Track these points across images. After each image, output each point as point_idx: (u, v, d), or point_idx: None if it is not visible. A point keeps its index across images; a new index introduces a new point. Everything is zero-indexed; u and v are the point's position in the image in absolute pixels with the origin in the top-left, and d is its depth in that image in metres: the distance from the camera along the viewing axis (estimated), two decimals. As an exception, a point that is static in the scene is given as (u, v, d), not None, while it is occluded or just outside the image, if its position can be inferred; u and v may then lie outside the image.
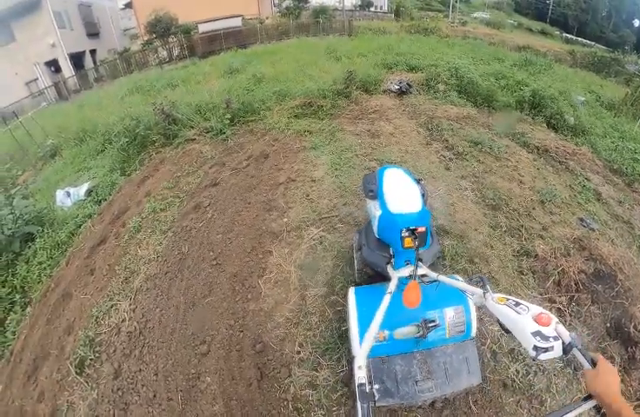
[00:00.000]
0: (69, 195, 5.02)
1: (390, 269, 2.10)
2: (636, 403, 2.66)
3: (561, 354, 1.11)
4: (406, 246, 1.86)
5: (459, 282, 1.73)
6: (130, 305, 3.28)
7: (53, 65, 19.08)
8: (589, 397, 1.05)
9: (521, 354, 2.69)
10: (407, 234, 1.85)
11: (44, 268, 4.01)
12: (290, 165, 4.61)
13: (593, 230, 3.88)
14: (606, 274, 3.24)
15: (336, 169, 4.50)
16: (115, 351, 2.96)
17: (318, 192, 4.13)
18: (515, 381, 2.56)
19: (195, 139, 5.49)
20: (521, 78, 7.41)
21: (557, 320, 1.18)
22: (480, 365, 2.09)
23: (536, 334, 1.12)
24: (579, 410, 1.04)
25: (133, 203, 4.50)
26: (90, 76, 18.16)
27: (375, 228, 2.24)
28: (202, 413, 2.54)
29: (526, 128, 6.06)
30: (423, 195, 2.14)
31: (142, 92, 9.72)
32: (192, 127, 5.72)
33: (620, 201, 4.59)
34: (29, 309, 3.62)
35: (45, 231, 4.39)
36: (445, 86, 7.17)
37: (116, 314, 3.23)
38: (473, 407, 2.41)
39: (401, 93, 6.98)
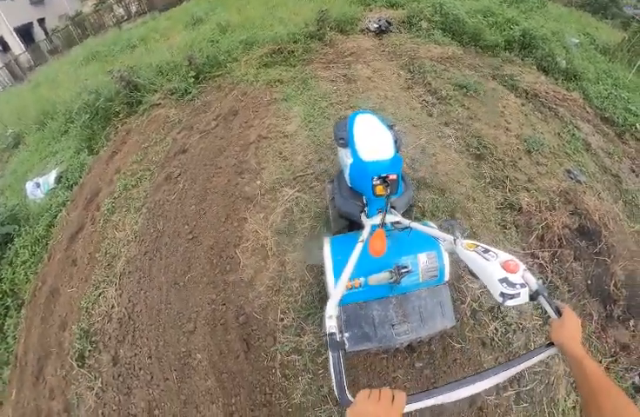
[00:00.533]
0: (38, 185, 5.08)
1: (363, 218, 2.19)
2: (610, 359, 2.83)
3: (527, 300, 1.16)
4: (378, 194, 1.93)
5: (430, 229, 1.79)
6: (117, 290, 3.42)
7: (0, 44, 18.42)
8: (551, 344, 1.12)
9: (501, 312, 2.82)
10: (378, 181, 1.91)
11: (29, 267, 4.14)
12: (260, 121, 4.52)
13: (580, 183, 3.93)
14: (590, 230, 3.38)
15: (309, 122, 4.41)
16: (110, 338, 3.13)
17: (292, 148, 4.07)
18: (494, 340, 2.72)
19: (160, 104, 5.39)
20: (511, 16, 6.92)
21: (525, 267, 1.23)
22: (453, 308, 2.21)
23: (503, 280, 1.17)
24: (540, 357, 1.10)
25: (104, 183, 4.54)
26: (43, 48, 17.47)
27: (347, 177, 2.32)
28: (197, 388, 2.73)
29: (515, 70, 5.83)
30: (395, 142, 2.18)
31: (99, 59, 9.45)
32: (156, 91, 5.59)
33: (609, 153, 4.63)
34: (23, 311, 3.79)
35: (22, 229, 4.49)
36: (428, 24, 6.75)
37: (105, 301, 3.38)
38: (452, 365, 2.58)
39: (380, 32, 6.62)
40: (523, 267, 1.22)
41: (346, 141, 2.28)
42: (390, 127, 2.32)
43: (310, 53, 6.00)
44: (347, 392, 0.96)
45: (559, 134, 4.65)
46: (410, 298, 2.08)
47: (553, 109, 5.06)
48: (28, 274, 4.06)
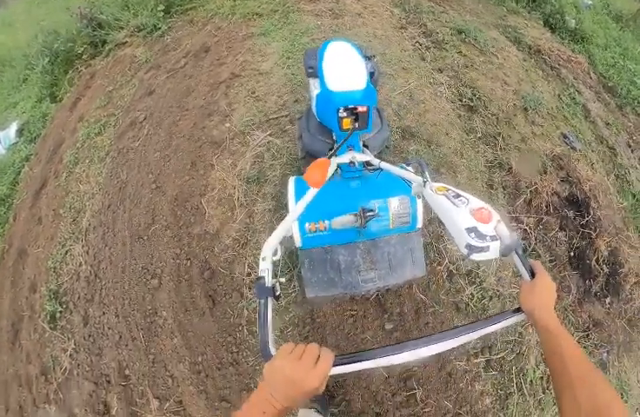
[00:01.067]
0: (-1, 141, 5.03)
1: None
2: (582, 334, 2.92)
3: (497, 255, 1.09)
4: (344, 127, 1.88)
5: (399, 169, 1.74)
6: (83, 247, 3.42)
7: None
8: (518, 310, 1.07)
9: (478, 277, 2.85)
10: (345, 113, 1.84)
11: None
12: (233, 58, 4.32)
13: (575, 150, 3.95)
14: (580, 200, 3.44)
15: (287, 59, 4.19)
16: (79, 298, 3.17)
17: (266, 87, 3.90)
18: (469, 305, 2.77)
19: (126, 42, 5.16)
20: None
21: (499, 218, 1.15)
22: (425, 258, 2.25)
23: (472, 230, 1.10)
24: (506, 323, 1.05)
25: (67, 133, 4.46)
26: None
27: (313, 109, 2.28)
28: (164, 347, 2.80)
29: (520, 22, 5.58)
30: (372, 74, 2.10)
31: None
32: (121, 28, 5.32)
33: (608, 123, 4.62)
34: None
35: None
36: None
37: (72, 260, 3.39)
38: (424, 328, 2.63)
39: None
40: (496, 217, 1.14)
41: (315, 70, 2.17)
42: (368, 58, 2.21)
43: None
44: (270, 345, 0.93)
45: (559, 95, 4.57)
46: (379, 244, 2.10)
47: (556, 68, 4.95)
48: None
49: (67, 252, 3.45)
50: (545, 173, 3.54)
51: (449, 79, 4.19)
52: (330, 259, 2.08)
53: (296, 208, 1.56)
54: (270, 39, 4.51)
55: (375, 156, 2.10)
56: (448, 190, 1.29)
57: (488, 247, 1.06)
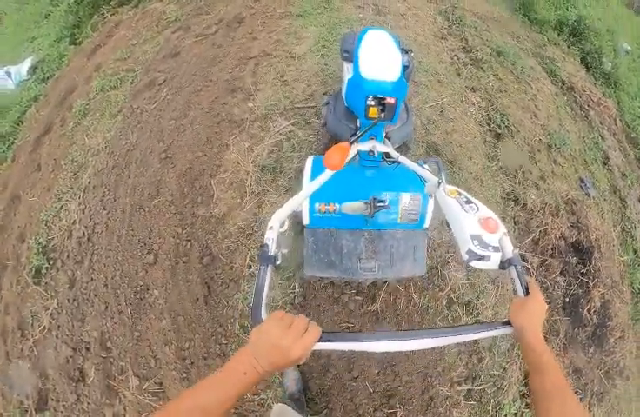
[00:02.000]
0: (9, 75, 4.60)
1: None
2: None
3: (496, 267, 1.08)
4: (370, 116, 1.78)
5: (417, 166, 1.70)
6: (80, 204, 3.17)
7: None
8: (507, 323, 1.01)
9: (476, 309, 2.73)
10: (373, 102, 1.74)
11: None
12: (267, 34, 3.92)
13: (589, 196, 3.76)
14: (584, 249, 3.31)
15: (323, 47, 3.80)
16: (68, 257, 2.95)
17: (296, 73, 3.54)
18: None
19: None
20: None
21: (506, 230, 1.13)
22: (427, 258, 2.22)
23: (476, 237, 1.08)
24: (493, 333, 1.01)
25: (81, 80, 4.08)
26: None
27: (343, 93, 2.19)
28: (151, 326, 2.62)
29: (558, 54, 5.20)
30: (406, 67, 1.98)
31: None
32: (155, -22, 4.84)
33: (624, 174, 4.39)
34: None
35: None
36: None
37: (66, 215, 3.15)
38: (415, 352, 2.50)
39: None
40: (503, 229, 1.12)
41: (351, 54, 2.06)
42: (405, 51, 2.09)
43: None
44: (263, 310, 0.92)
45: (583, 138, 4.30)
46: (384, 236, 2.06)
47: (585, 109, 4.65)
48: None
49: (62, 207, 3.20)
50: (557, 215, 3.35)
51: (480, 100, 3.91)
52: (334, 242, 2.04)
53: (310, 185, 1.52)
54: (307, 22, 4.10)
55: (395, 149, 2.00)
56: (460, 195, 1.28)
57: (489, 256, 1.06)
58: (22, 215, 3.36)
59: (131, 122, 3.42)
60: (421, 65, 3.87)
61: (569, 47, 5.53)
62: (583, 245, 3.32)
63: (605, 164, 4.29)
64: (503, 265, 1.08)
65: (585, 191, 3.76)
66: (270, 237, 1.14)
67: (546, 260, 3.13)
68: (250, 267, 2.62)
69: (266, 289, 0.98)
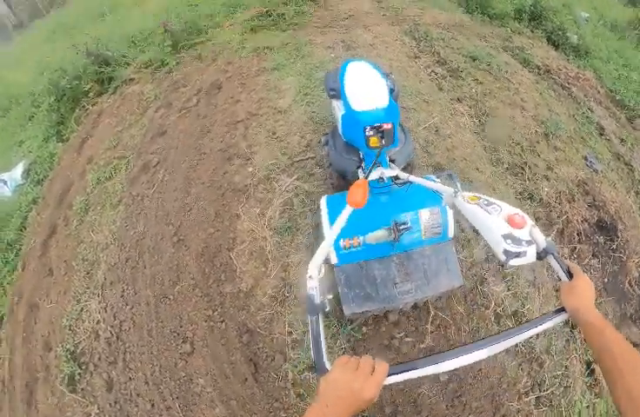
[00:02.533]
0: (5, 183, 4.48)
1: (360, 174, 2.09)
2: None
3: (534, 259, 1.06)
4: (372, 146, 1.82)
5: (429, 182, 1.69)
6: (100, 303, 2.95)
7: None
8: (561, 310, 1.01)
9: (524, 316, 2.61)
10: (372, 132, 1.79)
11: (4, 276, 3.67)
12: (248, 95, 3.84)
13: (596, 172, 3.68)
14: (608, 225, 3.23)
15: (305, 95, 3.72)
16: (99, 359, 2.71)
17: (287, 127, 3.42)
18: (517, 345, 2.52)
19: (134, 79, 4.66)
20: None
21: (533, 223, 1.11)
22: (460, 266, 2.12)
23: (508, 236, 1.05)
24: (551, 323, 0.98)
25: (76, 176, 3.95)
26: (8, 24, 15.54)
27: (340, 130, 2.21)
28: None
29: (525, 42, 5.27)
30: (391, 90, 2.02)
31: (64, 31, 8.33)
32: (128, 64, 4.83)
33: (622, 139, 4.31)
34: (3, 330, 3.36)
35: None
36: None
37: (89, 316, 2.92)
38: (477, 375, 2.37)
39: None
40: (530, 222, 1.10)
41: (337, 91, 2.11)
42: (387, 75, 2.14)
43: (303, 16, 5.18)
44: (325, 359, 0.87)
45: (574, 116, 4.23)
46: (413, 256, 1.99)
47: (566, 87, 4.63)
48: (4, 284, 3.60)
49: (82, 308, 2.98)
50: (574, 200, 3.27)
51: (469, 109, 3.84)
52: (366, 273, 1.96)
53: (334, 226, 1.46)
54: (284, 74, 4.05)
55: (402, 170, 2.01)
56: (480, 199, 1.25)
57: (525, 252, 1.03)
58: (43, 323, 3.12)
59: (134, 210, 3.24)
60: (404, 89, 3.78)
61: (532, 31, 5.56)
62: (605, 222, 3.24)
63: (602, 135, 4.21)
64: (540, 256, 1.06)
65: (592, 168, 3.69)
66: (313, 286, 1.11)
67: (575, 247, 3.03)
68: (290, 333, 2.42)
69: (323, 339, 0.94)
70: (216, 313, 2.56)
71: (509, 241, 1.03)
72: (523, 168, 3.39)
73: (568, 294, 1.00)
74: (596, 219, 3.23)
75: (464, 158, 3.27)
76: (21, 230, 3.94)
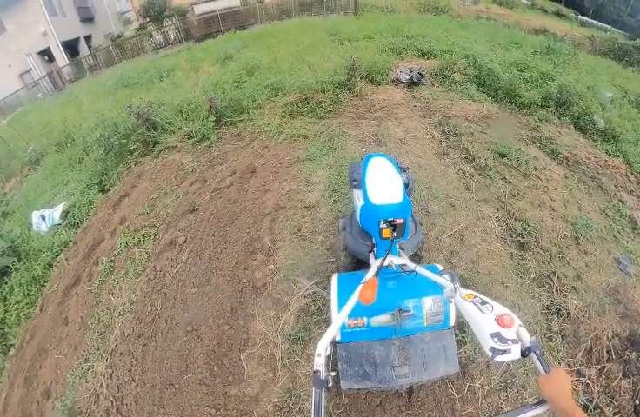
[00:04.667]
0: (44, 218, 4.20)
1: (372, 258, 2.02)
2: None
3: (518, 356, 1.01)
4: (384, 237, 1.77)
5: (433, 274, 1.59)
6: (107, 368, 2.64)
7: (46, 54, 16.73)
8: (541, 402, 0.96)
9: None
10: (385, 225, 1.74)
11: (22, 308, 3.38)
12: (279, 185, 3.57)
13: (629, 275, 3.11)
14: None
15: (334, 191, 3.44)
16: None
17: (312, 224, 3.14)
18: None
19: (176, 146, 4.42)
20: (545, 70, 5.84)
21: (520, 322, 1.08)
22: (458, 354, 1.98)
23: (495, 335, 1.03)
24: (531, 413, 0.94)
25: (107, 232, 3.66)
26: (85, 64, 15.78)
27: (358, 218, 2.14)
28: None
29: (552, 130, 4.80)
30: (406, 186, 2.02)
31: (128, 85, 8.19)
32: (173, 132, 4.60)
33: None
34: (7, 363, 3.05)
35: (21, 264, 3.67)
36: (462, 76, 5.69)
37: (93, 377, 2.61)
38: None
39: (412, 84, 5.57)
40: (518, 321, 1.08)
41: (359, 183, 2.10)
42: (403, 169, 2.16)
43: (339, 104, 4.95)
44: None
45: (604, 211, 3.75)
46: (414, 341, 1.84)
47: (596, 179, 4.10)
48: (20, 315, 3.34)
49: (89, 368, 2.67)
50: (604, 313, 2.77)
51: (496, 211, 3.44)
52: (366, 353, 1.82)
53: (343, 311, 1.42)
54: (315, 165, 3.79)
55: (410, 258, 1.93)
56: (475, 297, 1.21)
57: (510, 349, 1.00)
58: (48, 370, 2.82)
59: (155, 285, 2.94)
60: (431, 191, 3.48)
61: (559, 118, 5.08)
62: (638, 334, 2.68)
63: (634, 229, 3.63)
64: (524, 353, 1.02)
65: (624, 271, 3.14)
66: (320, 363, 1.08)
67: (604, 367, 2.52)
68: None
69: (323, 408, 0.93)
70: (218, 413, 2.22)
71: (496, 339, 1.01)
72: (550, 278, 2.91)
73: (547, 383, 0.96)
74: (628, 332, 2.71)
75: (489, 271, 2.86)
76: (47, 268, 3.65)
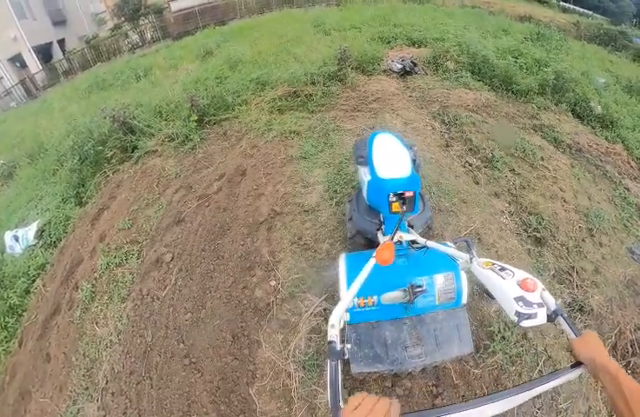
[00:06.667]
0: (17, 239, 3.63)
1: (380, 236, 1.90)
2: None
3: (545, 321, 0.92)
4: (393, 211, 1.65)
5: (446, 247, 1.47)
6: (99, 409, 2.19)
7: (17, 60, 15.50)
8: (577, 364, 0.84)
9: None
10: (394, 198, 1.63)
11: (1, 342, 2.85)
12: (273, 187, 3.08)
13: None
14: None
15: (335, 192, 2.97)
16: None
17: (314, 231, 2.67)
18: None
19: (156, 151, 3.86)
20: (540, 56, 5.51)
21: (544, 286, 0.97)
22: (472, 334, 1.79)
23: (519, 299, 0.93)
24: (566, 377, 0.82)
25: (86, 252, 3.13)
26: (59, 69, 14.60)
27: (364, 195, 2.05)
28: None
29: (552, 118, 4.49)
30: (414, 161, 1.92)
31: (103, 88, 7.46)
32: (152, 135, 4.04)
33: None
34: None
35: None
36: (455, 64, 5.24)
37: (85, 421, 2.15)
38: None
39: (404, 73, 5.10)
40: (541, 286, 0.97)
41: (365, 159, 1.98)
42: (410, 147, 2.03)
43: (330, 97, 4.43)
44: (341, 402, 0.73)
45: (612, 199, 3.50)
46: (426, 320, 1.70)
47: (600, 167, 3.87)
48: None
49: (78, 411, 2.22)
50: (625, 306, 2.56)
51: (508, 205, 3.12)
52: (377, 334, 1.67)
53: (356, 281, 1.20)
54: (311, 164, 3.31)
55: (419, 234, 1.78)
56: (493, 264, 1.10)
57: (536, 313, 0.91)
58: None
59: (143, 312, 2.45)
60: (439, 187, 3.08)
61: (556, 105, 4.81)
62: None
63: None
64: (550, 317, 0.93)
65: (638, 261, 2.95)
66: (334, 334, 0.92)
67: (630, 361, 2.31)
68: None
69: (340, 382, 0.78)
70: (230, 464, 1.80)
71: (520, 303, 0.93)
72: (570, 274, 2.67)
73: (582, 346, 0.85)
74: (649, 324, 2.54)
75: (510, 271, 2.51)
76: (24, 296, 3.11)
